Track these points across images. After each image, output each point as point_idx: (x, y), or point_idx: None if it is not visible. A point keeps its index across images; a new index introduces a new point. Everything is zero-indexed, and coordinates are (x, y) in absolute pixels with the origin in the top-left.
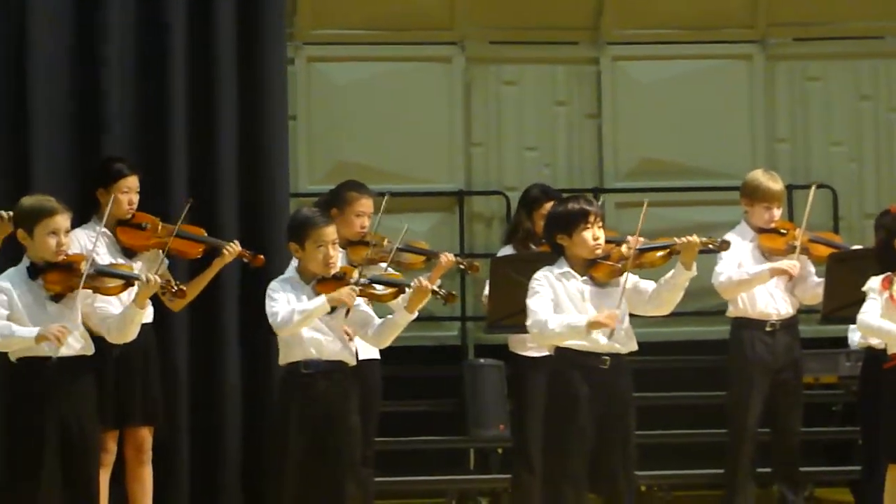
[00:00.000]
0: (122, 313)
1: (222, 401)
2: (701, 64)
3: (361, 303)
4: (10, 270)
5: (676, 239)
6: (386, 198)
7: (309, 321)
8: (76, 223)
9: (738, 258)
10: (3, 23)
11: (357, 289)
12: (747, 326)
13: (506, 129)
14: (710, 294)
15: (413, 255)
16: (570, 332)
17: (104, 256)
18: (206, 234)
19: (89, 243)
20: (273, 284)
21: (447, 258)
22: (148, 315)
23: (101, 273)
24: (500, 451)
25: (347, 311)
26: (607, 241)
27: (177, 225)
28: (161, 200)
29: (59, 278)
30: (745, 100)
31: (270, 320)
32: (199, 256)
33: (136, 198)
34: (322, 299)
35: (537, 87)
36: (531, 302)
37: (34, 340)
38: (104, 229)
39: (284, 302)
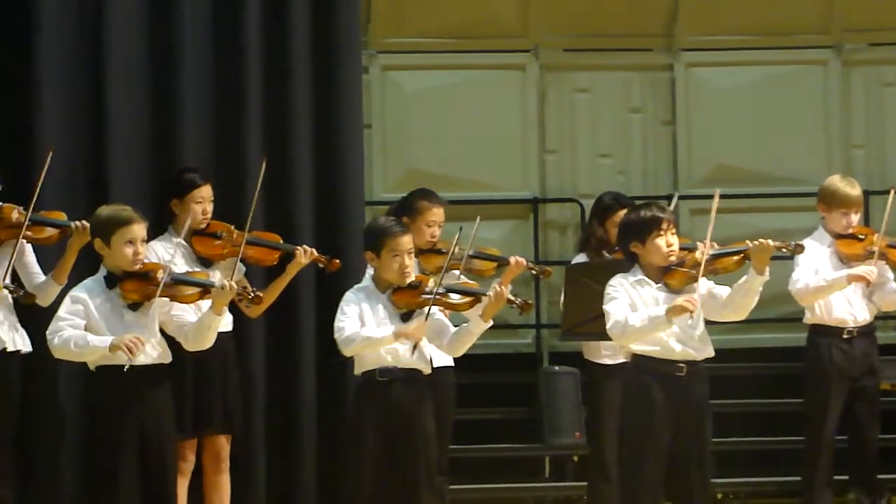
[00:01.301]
0: (199, 320)
1: (298, 408)
2: (775, 70)
3: (437, 311)
4: (88, 280)
5: (749, 243)
6: (459, 234)
7: (371, 349)
8: (152, 235)
9: (816, 264)
10: (81, 36)
11: (425, 324)
12: (824, 333)
13: (580, 137)
14: (786, 300)
15: (484, 261)
16: (651, 323)
17: (181, 267)
18: (281, 241)
19: (166, 254)
20: (347, 295)
21: (516, 261)
22: (227, 323)
23: (178, 281)
24: (575, 458)
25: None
26: (681, 248)
27: (250, 233)
28: (237, 209)
29: (136, 287)
30: (819, 105)
31: (335, 333)
32: (275, 263)
33: (210, 207)
34: (389, 332)
35: (611, 95)
36: (609, 306)
37: (108, 350)
38: (180, 240)
39: (354, 318)
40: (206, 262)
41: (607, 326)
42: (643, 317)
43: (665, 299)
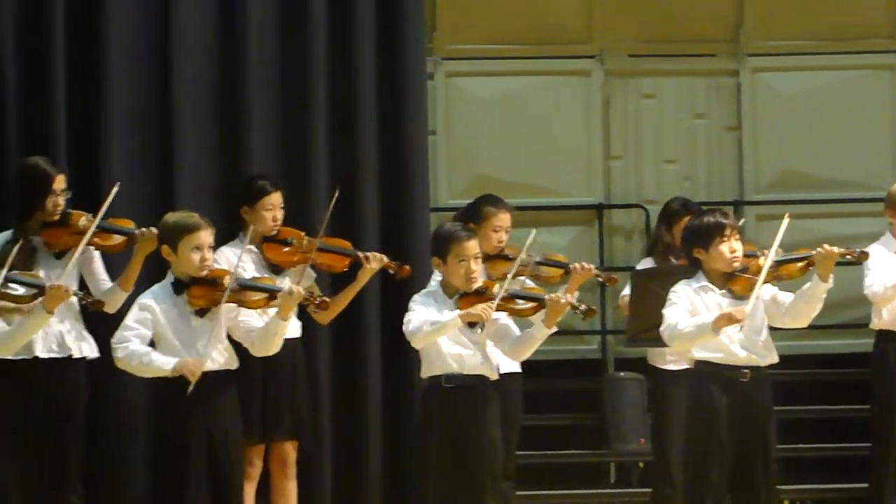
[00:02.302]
0: (266, 326)
1: (364, 414)
2: (842, 75)
3: (502, 316)
4: (155, 286)
5: (813, 250)
6: (532, 234)
7: (439, 334)
8: (221, 241)
9: (887, 266)
10: (148, 44)
11: (494, 304)
12: (891, 339)
13: (645, 143)
14: (851, 306)
15: (551, 268)
16: (697, 331)
17: (251, 273)
18: (351, 247)
19: (233, 259)
20: (415, 297)
21: (583, 268)
22: (295, 329)
23: (245, 287)
24: (640, 464)
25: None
26: (746, 255)
27: (320, 238)
28: (306, 215)
29: (203, 293)
30: (887, 111)
31: (403, 327)
32: (345, 270)
33: (280, 214)
34: (455, 314)
35: (677, 100)
36: (667, 311)
37: (170, 372)
38: (250, 246)
39: (423, 312)
40: (276, 269)
41: (661, 329)
42: (692, 323)
43: (728, 305)
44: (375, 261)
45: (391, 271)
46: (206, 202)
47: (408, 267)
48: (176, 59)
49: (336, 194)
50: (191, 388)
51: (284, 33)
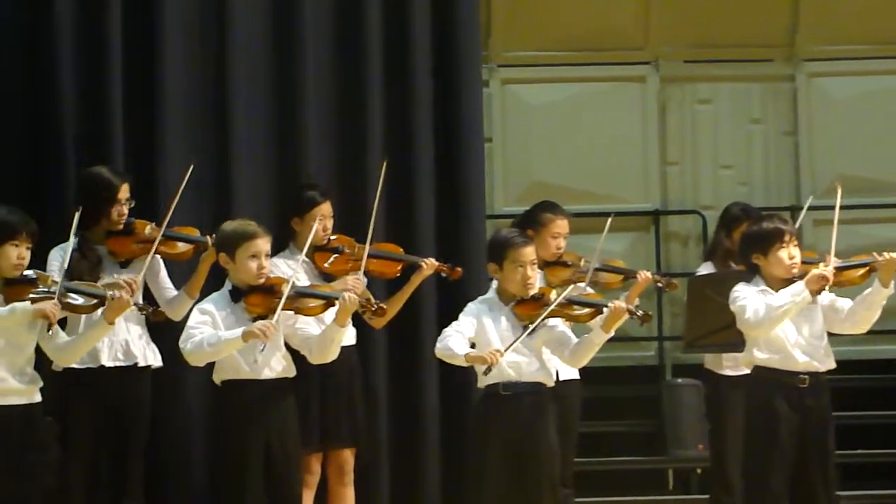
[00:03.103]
0: (323, 333)
1: (421, 421)
2: None
3: (559, 323)
4: (214, 294)
5: (876, 256)
6: (611, 218)
7: (450, 361)
8: (273, 252)
9: None
10: (205, 55)
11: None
12: None
13: (701, 148)
14: None
15: (610, 274)
16: (792, 298)
17: (304, 283)
18: (402, 253)
19: (289, 270)
20: (469, 306)
21: (645, 276)
22: (351, 337)
23: (302, 294)
24: (698, 471)
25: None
26: (804, 262)
27: (372, 245)
28: (360, 223)
29: (260, 300)
30: None
31: (438, 341)
32: (397, 275)
33: (330, 223)
34: (463, 353)
35: (732, 106)
36: (740, 303)
37: (241, 339)
38: (302, 256)
39: (466, 326)
40: (328, 278)
41: (745, 317)
42: (781, 294)
43: None
44: (428, 266)
45: (444, 274)
46: (263, 212)
47: (460, 269)
48: (232, 70)
49: (382, 176)
50: (263, 348)
51: (340, 43)
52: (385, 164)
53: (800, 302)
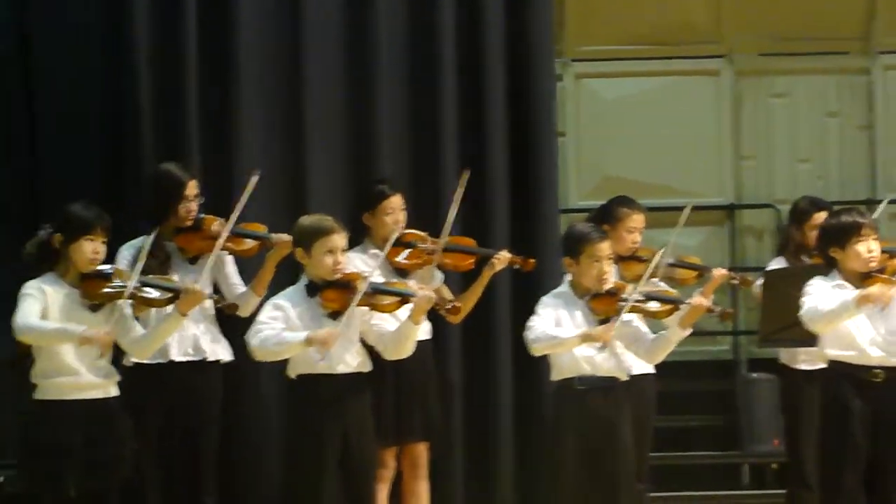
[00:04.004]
0: (398, 330)
1: (496, 414)
2: None
3: (634, 318)
4: (289, 289)
5: None
6: (688, 208)
7: (556, 350)
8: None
9: None
10: (279, 53)
11: (613, 327)
12: None
13: (776, 142)
14: None
15: (685, 270)
16: (840, 307)
17: (379, 278)
18: (475, 246)
19: (364, 266)
20: (544, 300)
21: (720, 273)
22: (426, 331)
23: (378, 290)
24: (774, 466)
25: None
26: (884, 253)
27: (445, 239)
28: (434, 217)
29: (336, 296)
30: None
31: (525, 332)
32: (471, 268)
33: (402, 217)
34: (575, 334)
35: (808, 99)
36: (807, 299)
37: (304, 343)
38: (377, 251)
39: (547, 320)
40: (401, 272)
41: (801, 312)
42: (834, 300)
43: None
44: (500, 259)
45: (517, 266)
46: (337, 207)
47: (533, 260)
48: (306, 65)
49: (460, 190)
50: (322, 357)
51: (413, 38)
52: (466, 174)
53: (848, 313)
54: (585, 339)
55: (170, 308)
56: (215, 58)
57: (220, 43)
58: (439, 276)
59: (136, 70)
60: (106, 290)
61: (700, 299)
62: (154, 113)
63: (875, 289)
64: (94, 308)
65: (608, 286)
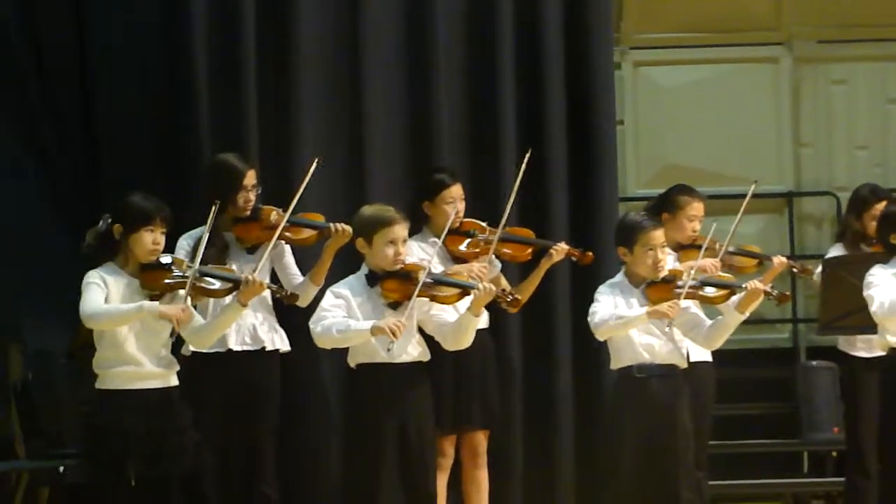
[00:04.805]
0: (458, 321)
1: (556, 403)
2: None
3: (691, 305)
4: (350, 278)
5: None
6: (753, 188)
7: (624, 329)
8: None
9: None
10: (337, 44)
11: (680, 301)
12: None
13: (835, 129)
14: None
15: (745, 258)
16: None
17: (437, 267)
18: (533, 236)
19: (422, 254)
20: (601, 288)
21: (780, 261)
22: (485, 320)
23: (438, 282)
24: (834, 454)
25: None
26: None
27: (504, 229)
28: (493, 206)
29: (396, 286)
30: None
31: (588, 318)
32: (529, 259)
33: (461, 206)
34: (642, 311)
35: (868, 86)
36: (871, 291)
37: (370, 332)
38: (436, 240)
39: (608, 305)
40: (460, 261)
41: (872, 309)
42: None
43: None
44: (558, 250)
45: (574, 259)
46: (395, 197)
47: (591, 254)
48: (365, 56)
49: (518, 180)
50: (392, 346)
51: (472, 26)
52: (528, 154)
53: None
54: (652, 314)
55: (229, 298)
56: (275, 47)
57: (280, 32)
58: (497, 265)
59: (194, 60)
60: (166, 280)
61: (755, 283)
62: (212, 103)
63: None
64: (155, 298)
65: (663, 274)
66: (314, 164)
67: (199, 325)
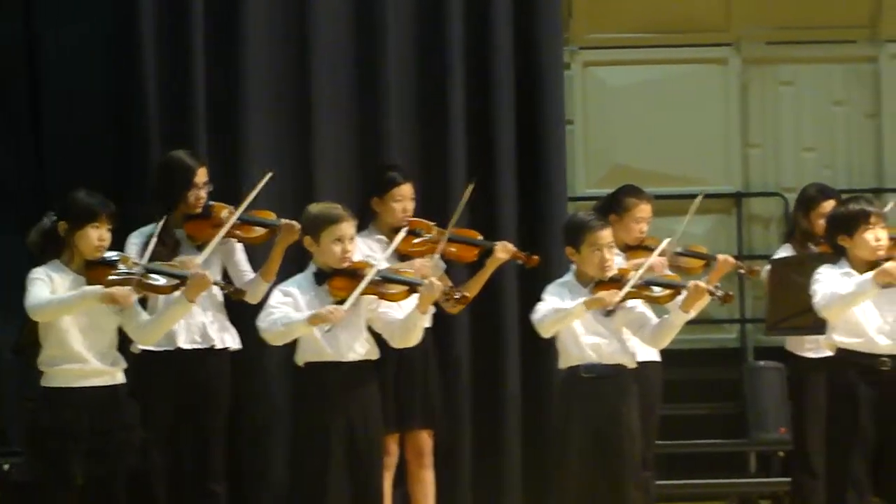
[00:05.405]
0: (405, 319)
1: (502, 403)
2: None
3: (639, 304)
4: (298, 276)
5: None
6: (700, 197)
7: (565, 322)
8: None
9: None
10: (286, 39)
11: (623, 291)
12: None
13: (783, 130)
14: None
15: (691, 258)
16: (859, 287)
17: (382, 264)
18: (480, 237)
19: (368, 250)
20: (549, 287)
21: (724, 260)
22: (427, 319)
23: (386, 279)
24: (780, 454)
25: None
26: (891, 240)
27: (450, 229)
28: (441, 205)
29: (344, 284)
30: None
31: (532, 316)
32: (475, 259)
33: (410, 205)
34: (579, 301)
35: (815, 87)
36: (818, 286)
37: (308, 321)
38: (380, 236)
39: (550, 303)
40: (404, 259)
41: (814, 300)
42: (851, 282)
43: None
44: (504, 251)
45: (520, 262)
46: (344, 194)
47: (536, 257)
48: (313, 52)
49: (470, 186)
50: (328, 328)
51: (421, 24)
52: (471, 186)
53: (866, 293)
54: (591, 304)
55: (177, 294)
56: (223, 43)
57: (228, 29)
58: (442, 265)
59: (143, 57)
60: (111, 277)
61: (697, 282)
62: (161, 100)
63: (892, 264)
64: None
65: (611, 273)
66: (266, 177)
67: (145, 321)
